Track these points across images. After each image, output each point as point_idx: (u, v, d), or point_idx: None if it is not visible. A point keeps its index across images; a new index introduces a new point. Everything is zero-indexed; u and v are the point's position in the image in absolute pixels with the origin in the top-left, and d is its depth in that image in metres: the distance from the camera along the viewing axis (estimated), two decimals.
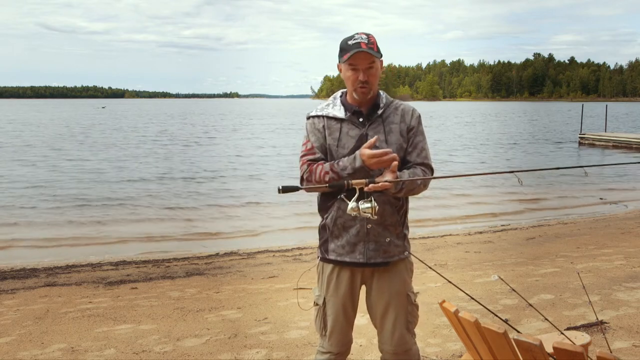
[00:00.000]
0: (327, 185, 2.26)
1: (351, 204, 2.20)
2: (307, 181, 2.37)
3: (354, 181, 2.20)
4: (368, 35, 2.33)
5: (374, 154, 2.23)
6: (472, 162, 22.12)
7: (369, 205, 2.18)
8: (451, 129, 45.15)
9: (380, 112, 2.40)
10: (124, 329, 4.46)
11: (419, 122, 2.46)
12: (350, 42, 2.31)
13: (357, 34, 2.34)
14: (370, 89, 2.35)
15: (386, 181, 2.20)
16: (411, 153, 2.41)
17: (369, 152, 2.24)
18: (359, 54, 2.28)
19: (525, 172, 2.71)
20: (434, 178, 2.44)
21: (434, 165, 2.47)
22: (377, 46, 2.33)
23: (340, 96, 2.48)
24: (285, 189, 2.24)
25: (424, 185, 2.39)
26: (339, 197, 2.31)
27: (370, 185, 2.18)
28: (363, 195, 2.21)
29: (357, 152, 2.28)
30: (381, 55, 2.36)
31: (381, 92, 2.45)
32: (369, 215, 2.18)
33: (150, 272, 7.08)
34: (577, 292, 4.98)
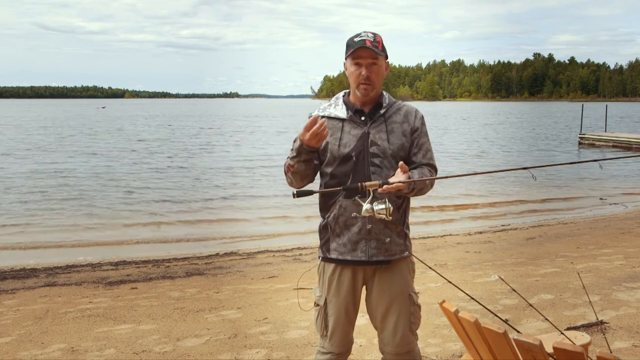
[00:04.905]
0: (341, 188, 2.27)
1: (366, 206, 2.20)
2: (285, 176, 2.45)
3: (367, 183, 2.20)
4: (375, 34, 2.36)
5: (306, 127, 2.22)
6: (472, 162, 22.11)
7: (383, 206, 2.18)
8: (452, 130, 45.10)
9: (382, 111, 2.41)
10: (124, 329, 4.46)
11: (423, 123, 2.48)
12: (356, 39, 2.34)
13: (365, 32, 2.37)
14: (373, 87, 2.36)
15: (400, 182, 2.20)
16: (417, 154, 2.43)
17: (304, 132, 2.24)
18: (363, 49, 2.30)
19: (537, 168, 2.70)
20: (444, 177, 2.45)
21: (437, 165, 2.49)
22: (382, 45, 2.35)
23: (343, 96, 2.50)
24: (300, 194, 2.25)
25: (431, 184, 2.41)
26: (353, 198, 2.31)
27: (384, 187, 2.18)
28: (376, 197, 2.21)
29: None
30: (386, 55, 2.38)
31: (384, 92, 2.46)
32: (384, 216, 2.18)
33: (150, 272, 7.08)
34: (577, 292, 4.98)
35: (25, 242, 9.38)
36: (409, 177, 2.25)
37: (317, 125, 2.21)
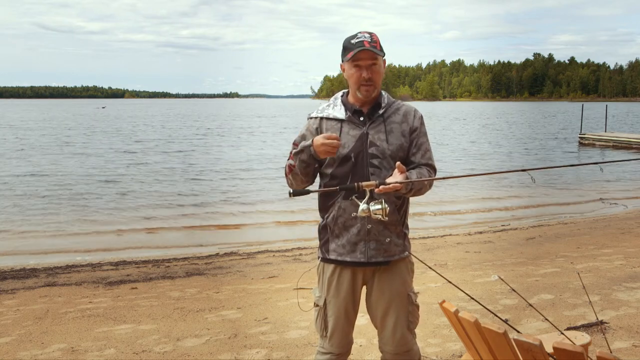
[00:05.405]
0: (338, 188, 2.27)
1: (362, 206, 2.19)
2: (286, 177, 2.47)
3: (364, 183, 2.20)
4: (371, 34, 2.35)
5: (324, 138, 2.27)
6: (472, 163, 22.10)
7: (379, 206, 2.18)
8: (452, 130, 45.10)
9: (381, 111, 2.41)
10: (124, 329, 4.46)
11: (422, 123, 2.47)
12: (353, 41, 2.33)
13: (360, 32, 2.35)
14: (375, 88, 2.36)
15: (397, 182, 2.20)
16: (416, 154, 2.42)
17: (319, 138, 2.28)
18: (362, 52, 2.30)
19: (537, 170, 2.70)
20: (443, 178, 2.45)
21: (436, 166, 2.49)
22: (380, 45, 2.34)
23: (342, 96, 2.49)
24: (296, 193, 2.27)
25: (429, 185, 2.41)
26: (350, 198, 2.32)
27: (381, 187, 2.18)
28: (373, 197, 2.21)
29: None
30: (384, 54, 2.38)
31: (383, 92, 2.46)
32: (380, 216, 2.18)
33: (150, 272, 7.08)
34: (577, 292, 4.98)
35: (23, 246, 9.34)
36: (407, 178, 2.25)
37: (334, 141, 2.26)
